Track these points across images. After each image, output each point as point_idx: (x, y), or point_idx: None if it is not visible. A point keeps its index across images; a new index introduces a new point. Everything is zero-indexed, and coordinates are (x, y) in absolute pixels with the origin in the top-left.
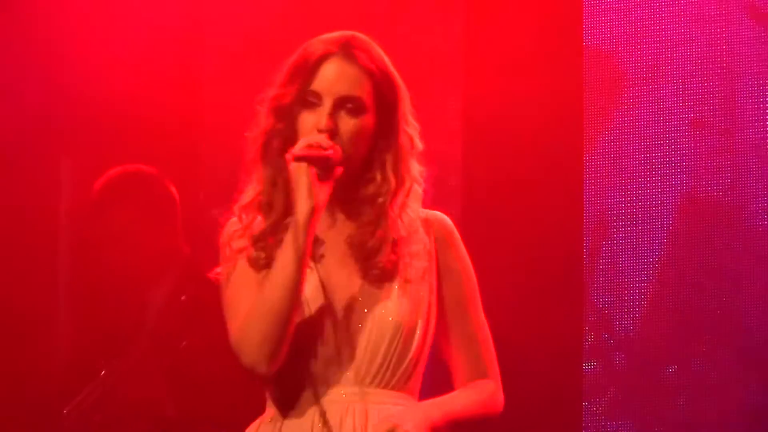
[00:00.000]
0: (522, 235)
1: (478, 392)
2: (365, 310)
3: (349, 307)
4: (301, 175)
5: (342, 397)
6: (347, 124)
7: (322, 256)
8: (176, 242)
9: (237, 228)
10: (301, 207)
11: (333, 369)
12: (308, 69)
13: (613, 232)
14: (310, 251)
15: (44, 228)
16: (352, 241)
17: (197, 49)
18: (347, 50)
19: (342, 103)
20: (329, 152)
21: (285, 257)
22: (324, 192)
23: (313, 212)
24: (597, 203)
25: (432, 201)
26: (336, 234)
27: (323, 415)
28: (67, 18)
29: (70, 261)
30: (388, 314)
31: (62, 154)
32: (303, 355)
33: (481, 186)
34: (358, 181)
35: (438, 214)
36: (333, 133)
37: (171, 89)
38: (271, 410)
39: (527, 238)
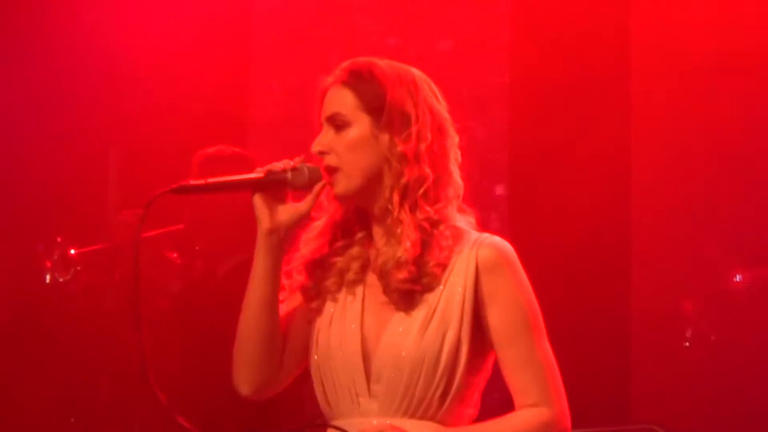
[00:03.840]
0: (569, 241)
1: (523, 420)
2: (389, 342)
3: (378, 338)
4: (254, 200)
5: (371, 426)
6: (336, 140)
7: (369, 282)
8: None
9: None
10: (258, 230)
11: (363, 399)
12: (319, 105)
13: (661, 234)
14: (276, 273)
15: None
16: (375, 262)
17: (245, 41)
18: (338, 76)
19: (331, 123)
20: (274, 172)
21: (250, 281)
22: (287, 212)
23: (266, 234)
24: (645, 207)
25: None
26: (372, 259)
27: None
28: (115, 10)
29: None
30: (407, 348)
31: (110, 145)
32: (339, 385)
33: (527, 194)
34: (377, 200)
35: (493, 238)
36: (322, 152)
37: (218, 81)
38: None
39: (574, 243)
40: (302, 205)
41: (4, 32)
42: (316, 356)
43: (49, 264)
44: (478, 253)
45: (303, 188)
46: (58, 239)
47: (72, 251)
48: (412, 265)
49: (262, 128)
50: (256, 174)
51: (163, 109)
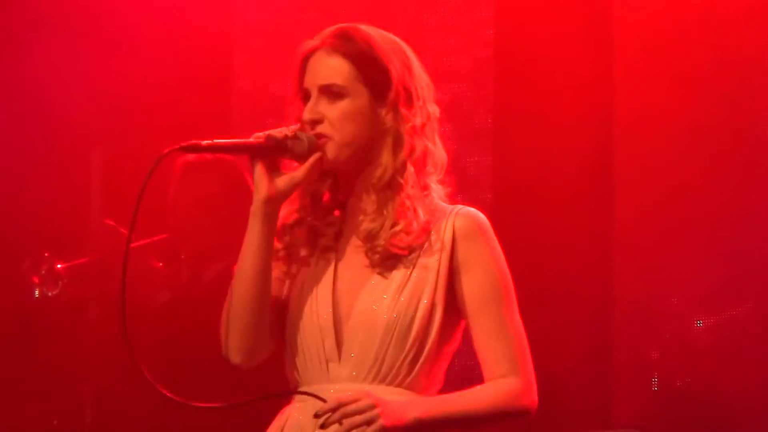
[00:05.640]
0: (550, 233)
1: (493, 390)
2: (365, 305)
3: (352, 302)
4: (253, 167)
5: (340, 394)
6: (329, 109)
7: (341, 249)
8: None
9: None
10: (255, 197)
11: (333, 365)
12: (299, 68)
13: (644, 232)
14: (270, 242)
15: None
16: (359, 228)
17: (227, 33)
18: (329, 42)
19: (324, 92)
20: (273, 139)
21: (243, 249)
22: (284, 180)
23: (263, 202)
24: (628, 207)
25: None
26: (350, 226)
27: (319, 411)
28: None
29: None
30: (381, 311)
31: (93, 145)
32: (308, 350)
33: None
34: (367, 169)
35: (468, 209)
36: (316, 121)
37: (200, 79)
38: (288, 404)
39: (556, 235)
40: (298, 174)
41: None
42: (287, 320)
43: (36, 279)
44: (455, 221)
45: (300, 157)
46: (46, 254)
47: (59, 266)
48: (404, 231)
49: (246, 121)
50: (259, 140)
51: (145, 109)
